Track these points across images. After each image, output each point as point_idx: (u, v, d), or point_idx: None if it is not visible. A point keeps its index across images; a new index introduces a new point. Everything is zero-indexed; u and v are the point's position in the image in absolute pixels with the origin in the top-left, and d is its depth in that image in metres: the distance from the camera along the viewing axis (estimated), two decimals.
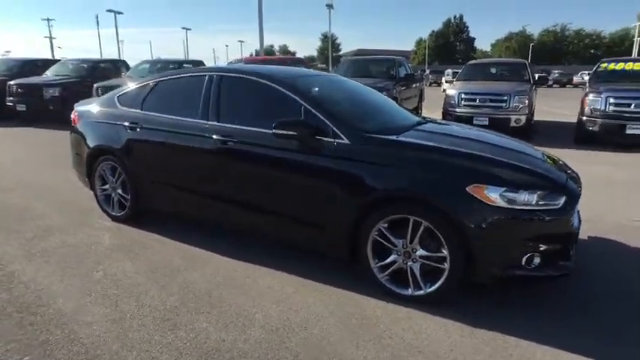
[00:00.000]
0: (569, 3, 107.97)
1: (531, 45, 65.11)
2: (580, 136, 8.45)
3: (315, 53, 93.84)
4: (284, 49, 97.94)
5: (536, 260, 2.52)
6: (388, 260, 2.75)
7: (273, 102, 3.21)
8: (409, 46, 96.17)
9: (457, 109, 9.23)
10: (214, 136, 3.30)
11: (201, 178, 3.48)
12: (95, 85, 10.66)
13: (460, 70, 11.47)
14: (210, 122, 3.38)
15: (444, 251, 2.55)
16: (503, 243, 2.49)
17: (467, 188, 2.48)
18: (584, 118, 8.28)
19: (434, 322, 2.52)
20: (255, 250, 3.43)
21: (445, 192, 2.54)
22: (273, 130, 2.91)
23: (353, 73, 10.37)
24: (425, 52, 74.18)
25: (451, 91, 9.62)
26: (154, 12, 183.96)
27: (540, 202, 2.48)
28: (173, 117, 3.61)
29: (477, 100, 9.09)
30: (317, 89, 3.36)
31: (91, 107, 4.28)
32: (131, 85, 4.13)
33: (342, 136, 2.86)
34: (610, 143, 7.92)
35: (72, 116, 4.43)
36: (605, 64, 9.60)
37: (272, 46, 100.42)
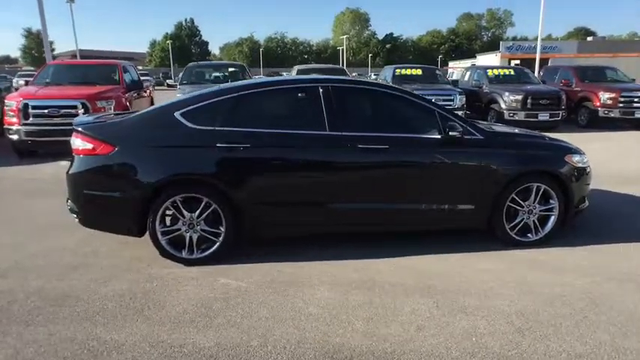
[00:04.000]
0: (283, 14, 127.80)
1: (260, 50, 73.07)
2: None
3: (17, 53, 76.69)
4: None
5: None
6: (517, 220, 3.74)
7: (409, 111, 3.68)
8: (143, 48, 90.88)
9: None
10: (359, 145, 3.40)
11: (345, 188, 3.49)
12: None
13: None
14: (344, 132, 3.42)
15: (552, 202, 3.76)
16: (580, 188, 3.90)
17: (565, 158, 3.77)
18: None
19: (564, 250, 3.70)
20: (390, 245, 3.72)
21: (554, 162, 3.75)
22: (450, 133, 3.41)
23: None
24: (161, 55, 72.38)
25: None
26: None
27: (585, 162, 4.00)
28: (293, 131, 3.42)
29: None
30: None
31: (138, 129, 3.32)
32: (194, 101, 3.43)
33: (476, 133, 3.63)
34: None
35: (89, 145, 3.25)
36: (399, 70, 12.81)
37: None
